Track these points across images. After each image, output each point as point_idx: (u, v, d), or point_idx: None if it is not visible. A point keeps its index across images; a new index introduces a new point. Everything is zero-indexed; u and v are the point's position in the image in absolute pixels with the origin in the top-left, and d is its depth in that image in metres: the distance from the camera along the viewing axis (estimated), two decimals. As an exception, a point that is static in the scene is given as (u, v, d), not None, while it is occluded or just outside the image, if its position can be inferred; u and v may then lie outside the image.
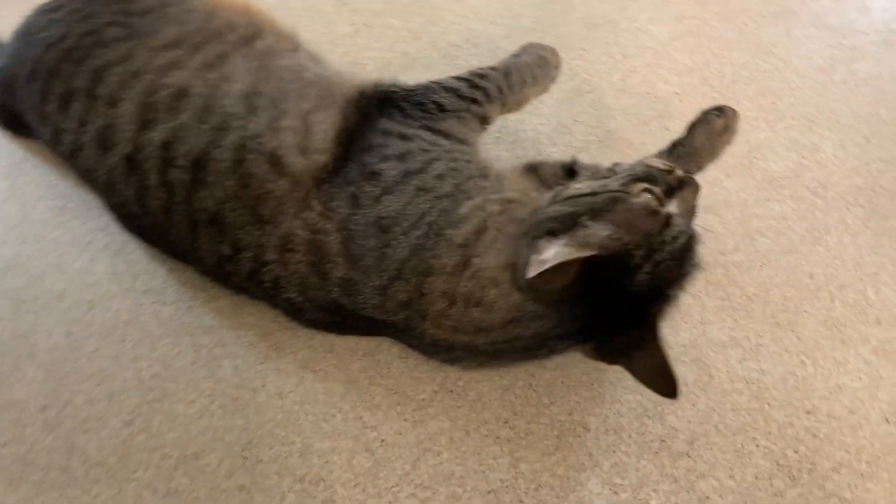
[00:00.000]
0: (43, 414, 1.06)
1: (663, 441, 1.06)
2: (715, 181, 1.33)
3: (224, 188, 1.03)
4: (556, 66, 1.27)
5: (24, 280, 1.19)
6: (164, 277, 1.19)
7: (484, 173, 1.05)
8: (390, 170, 1.02)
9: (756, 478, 1.03)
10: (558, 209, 0.92)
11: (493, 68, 1.21)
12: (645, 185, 0.91)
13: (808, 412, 1.08)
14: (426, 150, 1.06)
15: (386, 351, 1.13)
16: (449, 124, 1.12)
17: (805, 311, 1.18)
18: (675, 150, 1.16)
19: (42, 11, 1.26)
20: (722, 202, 1.30)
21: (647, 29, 1.58)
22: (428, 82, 1.18)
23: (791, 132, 1.41)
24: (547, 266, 0.84)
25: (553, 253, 0.85)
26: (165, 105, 1.07)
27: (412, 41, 1.55)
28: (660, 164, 0.95)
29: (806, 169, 1.36)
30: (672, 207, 0.91)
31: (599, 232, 0.87)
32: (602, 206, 0.89)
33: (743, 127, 1.39)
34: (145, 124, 1.07)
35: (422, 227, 0.97)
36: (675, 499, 1.01)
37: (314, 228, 1.00)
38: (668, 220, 0.88)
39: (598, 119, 1.42)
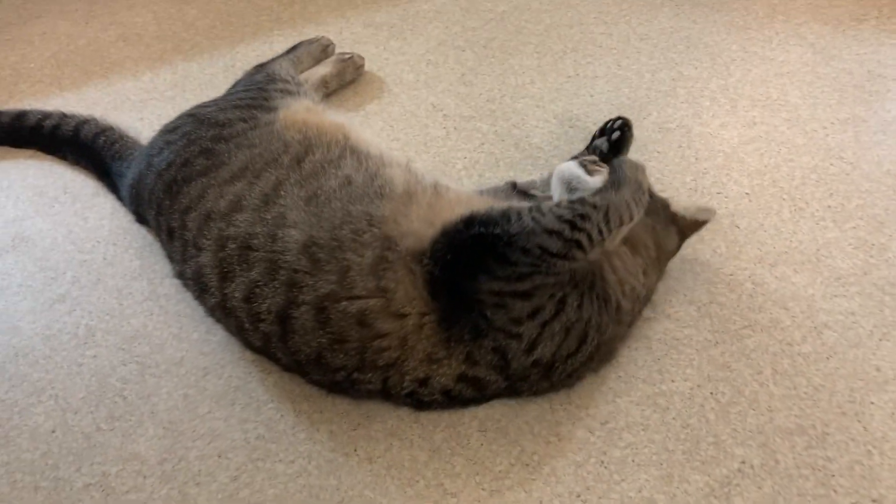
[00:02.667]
0: (161, 466, 1.19)
1: (730, 521, 1.11)
2: (783, 276, 1.40)
3: (318, 341, 1.13)
4: (647, 189, 1.25)
5: (148, 348, 1.35)
6: (271, 349, 1.32)
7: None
8: (529, 329, 1.10)
9: (821, 562, 1.06)
10: None
11: (594, 206, 1.14)
12: None
13: (874, 501, 1.11)
14: (552, 296, 1.11)
15: (466, 424, 1.22)
16: (559, 266, 1.11)
17: (872, 403, 1.22)
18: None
19: (163, 132, 1.47)
20: (790, 296, 1.37)
21: (719, 133, 1.69)
22: (530, 222, 1.12)
23: (859, 232, 1.47)
24: None
25: None
26: (236, 259, 1.19)
27: (497, 143, 1.70)
28: None
29: (874, 267, 1.41)
30: None
31: None
32: None
33: (811, 226, 1.47)
34: (224, 276, 1.20)
35: (585, 353, 1.16)
36: (740, 577, 1.05)
37: (462, 374, 1.13)
38: None
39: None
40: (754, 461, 1.16)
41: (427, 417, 1.23)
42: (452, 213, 1.18)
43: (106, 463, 1.20)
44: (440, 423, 1.22)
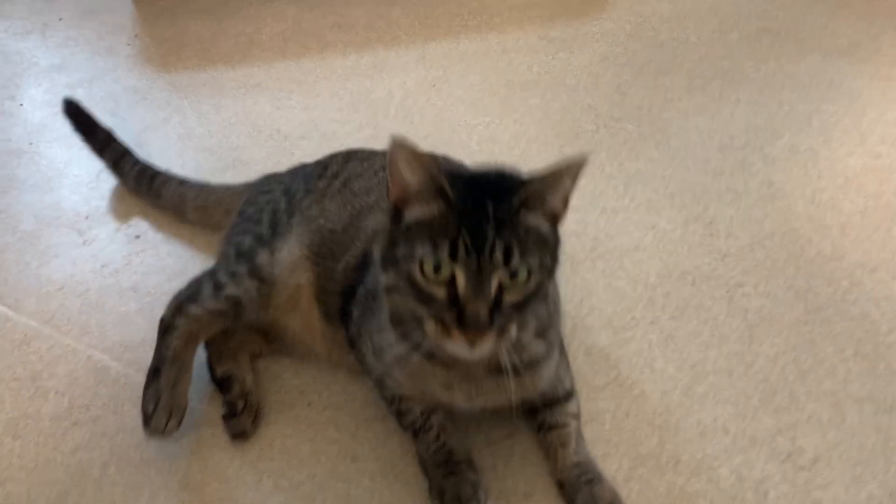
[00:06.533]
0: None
1: (790, 455, 1.28)
2: (880, 280, 1.56)
3: None
4: None
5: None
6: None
7: None
8: None
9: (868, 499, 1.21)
10: None
11: None
12: None
13: (925, 466, 1.26)
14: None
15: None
16: None
17: (942, 390, 1.36)
18: None
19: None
20: (883, 296, 1.52)
21: (844, 160, 1.87)
22: None
23: (964, 259, 1.61)
24: None
25: None
26: None
27: (640, 141, 1.95)
28: None
29: (970, 287, 1.54)
30: None
31: None
32: None
33: (914, 245, 1.61)
34: None
35: None
36: (789, 499, 1.22)
37: None
38: None
39: (785, 219, 1.70)
40: (823, 415, 1.33)
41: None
42: None
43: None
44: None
